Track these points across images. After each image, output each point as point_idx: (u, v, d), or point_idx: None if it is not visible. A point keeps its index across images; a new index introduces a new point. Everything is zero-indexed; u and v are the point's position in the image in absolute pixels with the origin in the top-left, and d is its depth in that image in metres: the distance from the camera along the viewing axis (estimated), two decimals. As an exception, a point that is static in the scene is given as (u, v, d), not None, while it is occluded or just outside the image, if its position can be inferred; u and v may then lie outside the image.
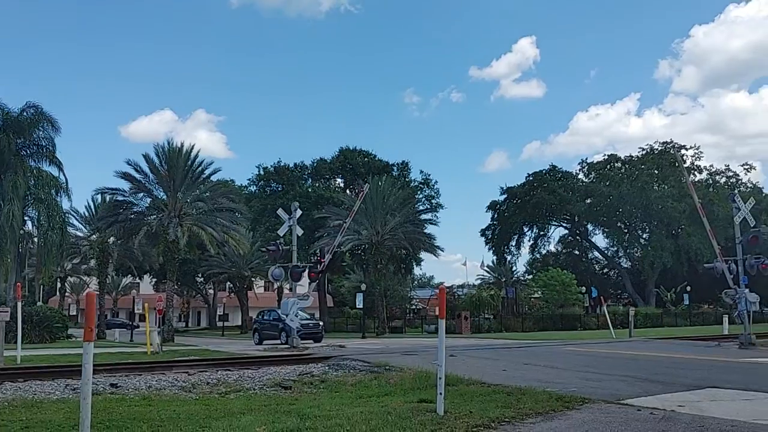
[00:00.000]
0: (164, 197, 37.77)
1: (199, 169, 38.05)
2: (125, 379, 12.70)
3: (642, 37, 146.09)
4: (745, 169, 67.12)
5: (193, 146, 38.03)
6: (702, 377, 11.69)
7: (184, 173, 37.12)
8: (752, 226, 21.44)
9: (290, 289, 28.11)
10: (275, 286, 58.63)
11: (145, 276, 65.62)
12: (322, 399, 9.95)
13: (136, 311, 38.87)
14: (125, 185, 37.88)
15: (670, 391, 9.56)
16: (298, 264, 24.95)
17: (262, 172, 59.73)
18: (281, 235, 26.07)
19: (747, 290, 21.04)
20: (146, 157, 37.32)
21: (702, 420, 7.19)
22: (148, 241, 38.45)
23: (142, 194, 38.25)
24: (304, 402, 9.55)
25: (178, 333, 45.73)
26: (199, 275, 65.24)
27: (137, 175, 37.45)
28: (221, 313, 60.67)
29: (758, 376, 12.56)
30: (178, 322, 78.52)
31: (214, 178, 39.84)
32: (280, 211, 26.36)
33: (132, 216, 38.40)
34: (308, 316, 31.14)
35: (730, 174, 65.86)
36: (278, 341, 29.15)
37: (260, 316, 34.68)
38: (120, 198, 38.73)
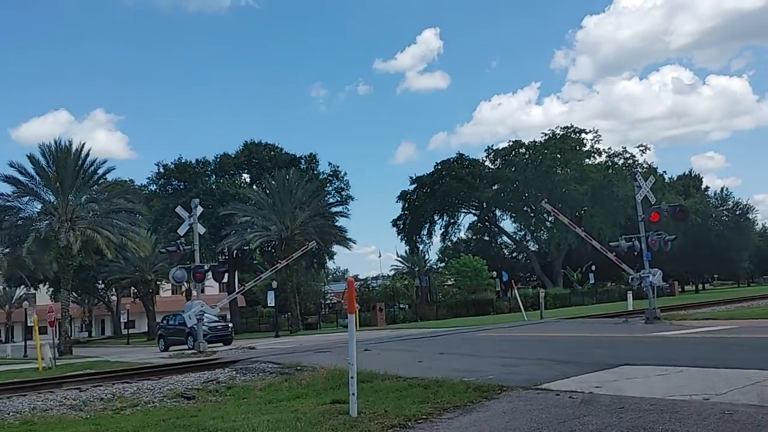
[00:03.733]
0: (53, 200, 35.37)
1: (92, 168, 36.03)
2: (6, 401, 11.58)
3: (539, 28, 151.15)
4: (640, 150, 70.00)
5: (83, 144, 36.01)
6: (615, 355, 11.70)
7: (74, 174, 34.97)
8: (652, 203, 22.12)
9: (198, 291, 26.76)
10: (183, 289, 56.44)
11: (41, 285, 61.72)
12: (228, 407, 9.24)
13: (29, 324, 36.26)
14: (10, 190, 35.43)
15: (586, 372, 9.43)
16: (202, 264, 23.72)
17: (162, 170, 57.03)
18: (182, 235, 24.72)
19: (651, 270, 21.58)
20: (31, 158, 34.95)
21: (621, 400, 7.01)
22: (39, 248, 35.93)
23: (27, 198, 35.92)
24: (207, 413, 8.80)
25: (80, 344, 43.29)
26: (100, 281, 61.99)
27: (22, 178, 35.11)
28: (126, 320, 57.67)
29: (667, 350, 12.78)
30: (80, 333, 74.61)
31: (109, 177, 38.03)
32: (179, 209, 24.99)
33: (19, 222, 35.95)
34: (217, 318, 29.87)
35: (627, 155, 68.52)
36: (185, 347, 27.84)
37: (165, 321, 33.07)
38: (2, 203, 36.06)
